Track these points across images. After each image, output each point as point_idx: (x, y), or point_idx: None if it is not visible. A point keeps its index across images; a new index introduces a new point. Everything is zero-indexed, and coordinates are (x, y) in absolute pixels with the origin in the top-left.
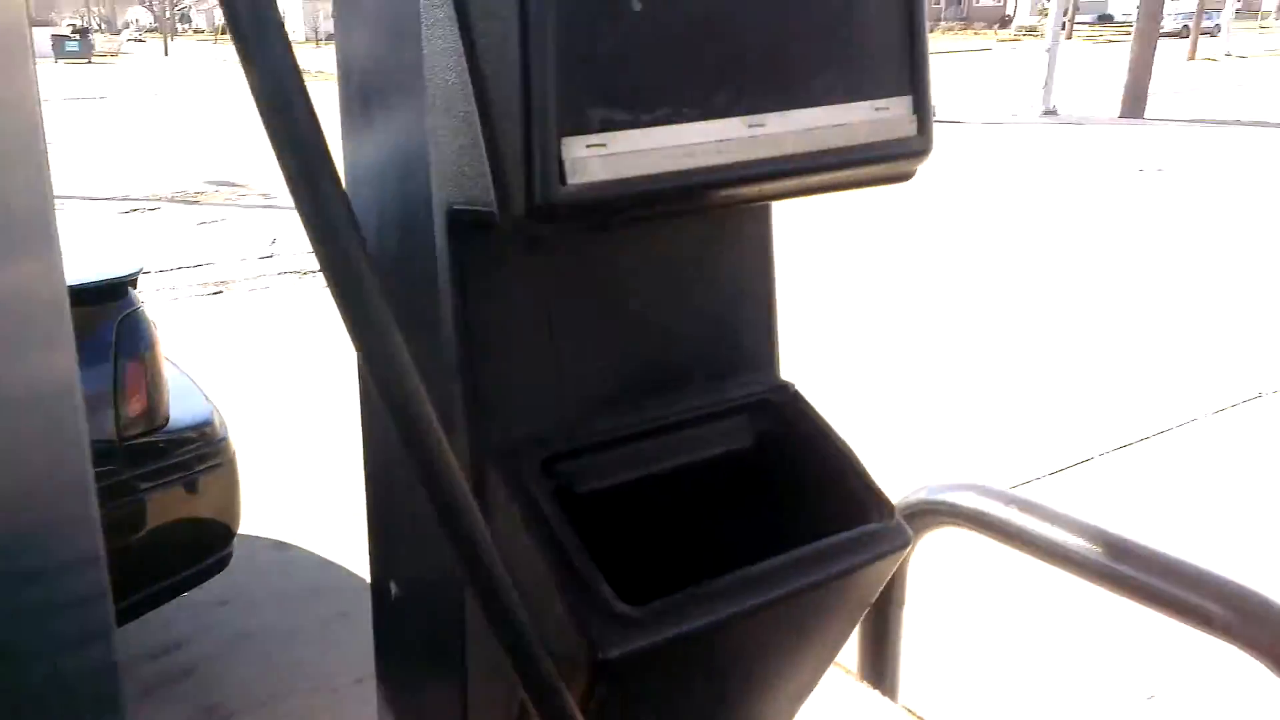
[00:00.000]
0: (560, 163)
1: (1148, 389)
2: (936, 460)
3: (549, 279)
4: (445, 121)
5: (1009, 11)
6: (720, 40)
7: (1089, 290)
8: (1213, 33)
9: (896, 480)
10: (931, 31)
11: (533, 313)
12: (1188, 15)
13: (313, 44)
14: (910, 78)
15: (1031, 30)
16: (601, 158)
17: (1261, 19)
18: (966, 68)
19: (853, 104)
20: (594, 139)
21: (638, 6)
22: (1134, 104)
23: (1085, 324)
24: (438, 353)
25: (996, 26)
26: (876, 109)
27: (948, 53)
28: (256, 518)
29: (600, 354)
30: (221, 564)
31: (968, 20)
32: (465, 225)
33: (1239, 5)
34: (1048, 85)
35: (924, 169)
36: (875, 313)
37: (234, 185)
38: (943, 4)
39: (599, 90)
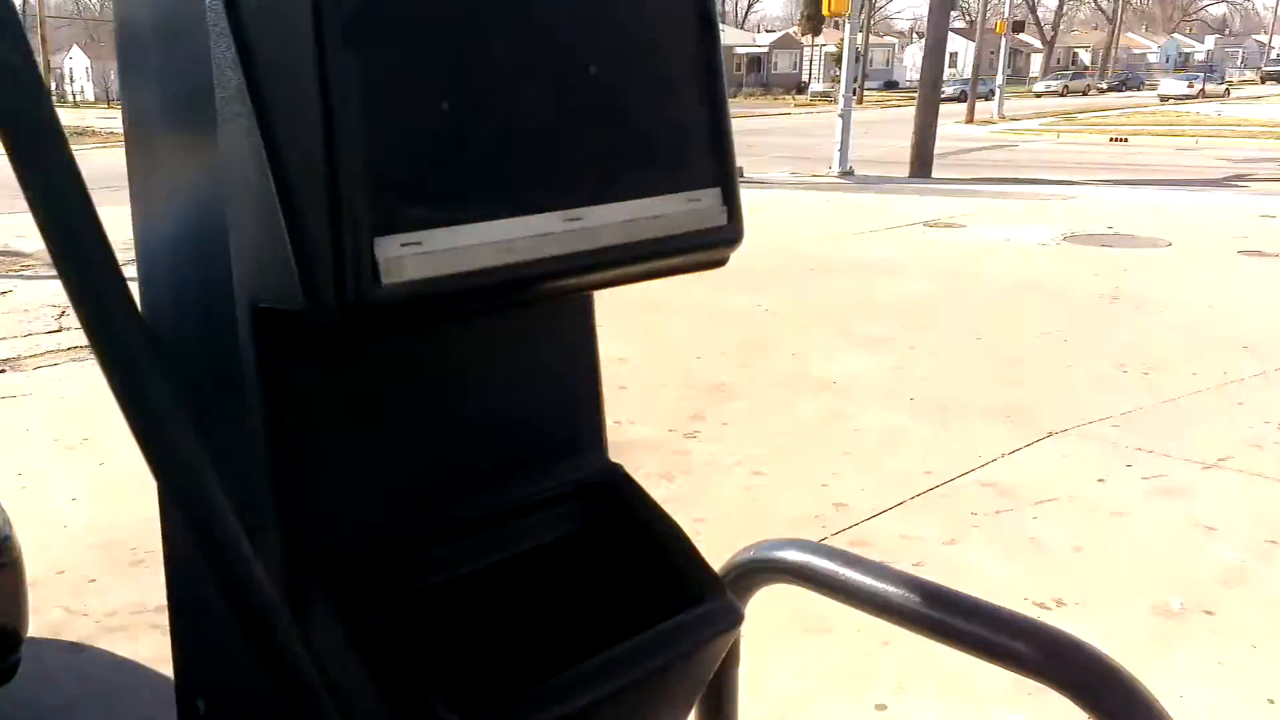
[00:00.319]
0: (374, 262)
1: (925, 439)
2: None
3: (366, 373)
4: (248, 212)
5: (805, 78)
6: (535, 137)
7: (884, 338)
8: (988, 97)
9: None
10: (734, 97)
11: (349, 408)
12: (965, 81)
13: (104, 105)
14: (719, 171)
15: (825, 96)
16: (417, 256)
17: (1030, 83)
18: (768, 131)
19: (667, 197)
20: (409, 237)
21: (445, 106)
22: (921, 165)
23: (876, 365)
24: (246, 451)
25: (794, 92)
26: (689, 200)
27: (751, 116)
28: (46, 619)
29: (423, 447)
30: (8, 674)
31: (767, 86)
32: (272, 321)
33: (1009, 72)
34: (843, 148)
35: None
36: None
37: (18, 255)
38: (743, 71)
39: (412, 188)
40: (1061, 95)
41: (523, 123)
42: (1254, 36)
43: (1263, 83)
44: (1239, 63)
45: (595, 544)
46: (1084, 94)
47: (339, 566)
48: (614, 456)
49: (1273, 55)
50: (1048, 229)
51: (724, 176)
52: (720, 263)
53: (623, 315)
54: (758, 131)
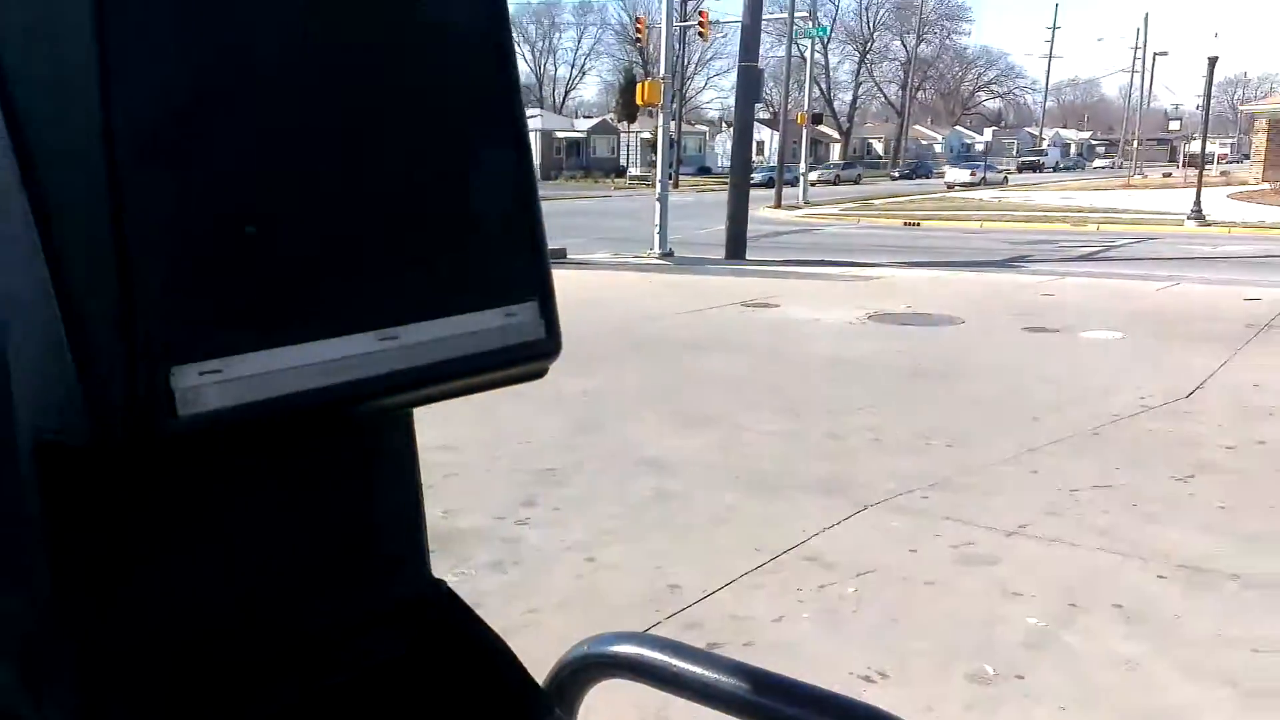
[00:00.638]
0: (170, 393)
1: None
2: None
3: (165, 503)
4: (28, 338)
5: (623, 163)
6: (345, 256)
7: (710, 416)
8: (793, 183)
9: None
10: (555, 180)
11: (146, 539)
12: (773, 169)
13: None
14: (535, 283)
15: (643, 179)
16: (218, 384)
17: (830, 169)
18: (590, 213)
19: (483, 312)
20: (209, 365)
21: (251, 230)
22: (736, 247)
23: (704, 444)
24: (30, 592)
25: (614, 176)
26: (506, 315)
27: (574, 198)
28: None
29: (230, 576)
30: None
31: (588, 170)
32: (58, 454)
33: (811, 160)
34: (662, 231)
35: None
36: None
37: None
38: (563, 155)
39: (211, 312)
40: (834, 184)
41: (331, 240)
42: (1026, 129)
43: (1019, 171)
44: (1015, 152)
45: (416, 668)
46: (855, 183)
47: (135, 709)
48: (443, 548)
49: (1042, 145)
50: (853, 308)
51: (541, 288)
52: (539, 374)
53: (449, 401)
54: (580, 213)
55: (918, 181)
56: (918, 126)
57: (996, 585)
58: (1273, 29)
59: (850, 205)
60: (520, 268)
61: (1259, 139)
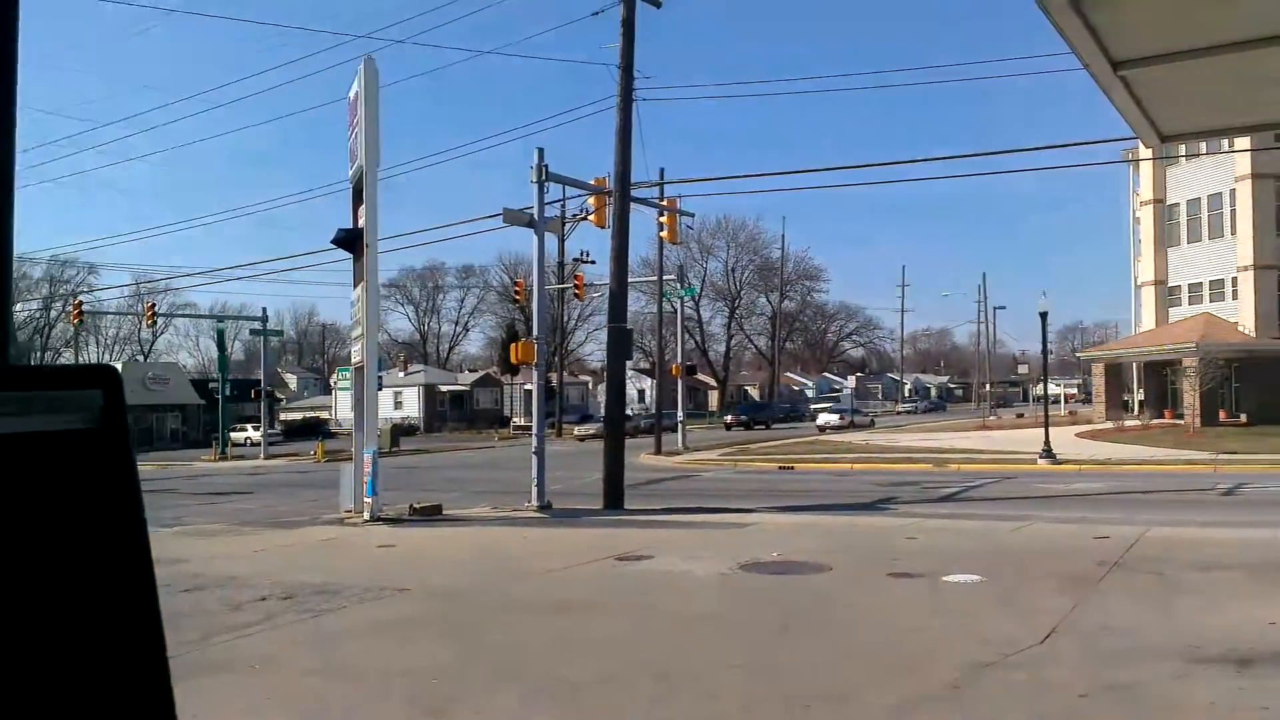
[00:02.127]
0: None
1: None
2: None
3: None
4: None
5: (506, 413)
6: None
7: (582, 682)
8: (673, 430)
9: None
10: (438, 431)
11: None
12: (653, 416)
13: None
14: None
15: (527, 429)
16: None
17: (710, 417)
18: (471, 465)
19: None
20: None
21: None
22: (613, 497)
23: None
24: None
25: (498, 426)
26: None
27: (457, 450)
28: None
29: None
30: None
31: (472, 421)
32: None
33: (691, 406)
34: (540, 483)
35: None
36: None
37: None
38: (447, 407)
39: None
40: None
41: None
42: (888, 374)
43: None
44: (879, 396)
45: None
46: (727, 429)
47: None
48: None
49: (905, 390)
50: (726, 558)
51: None
52: None
53: (285, 671)
54: (463, 465)
55: (791, 425)
56: (789, 373)
57: None
58: (1096, 286)
59: (728, 450)
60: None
61: (1099, 381)
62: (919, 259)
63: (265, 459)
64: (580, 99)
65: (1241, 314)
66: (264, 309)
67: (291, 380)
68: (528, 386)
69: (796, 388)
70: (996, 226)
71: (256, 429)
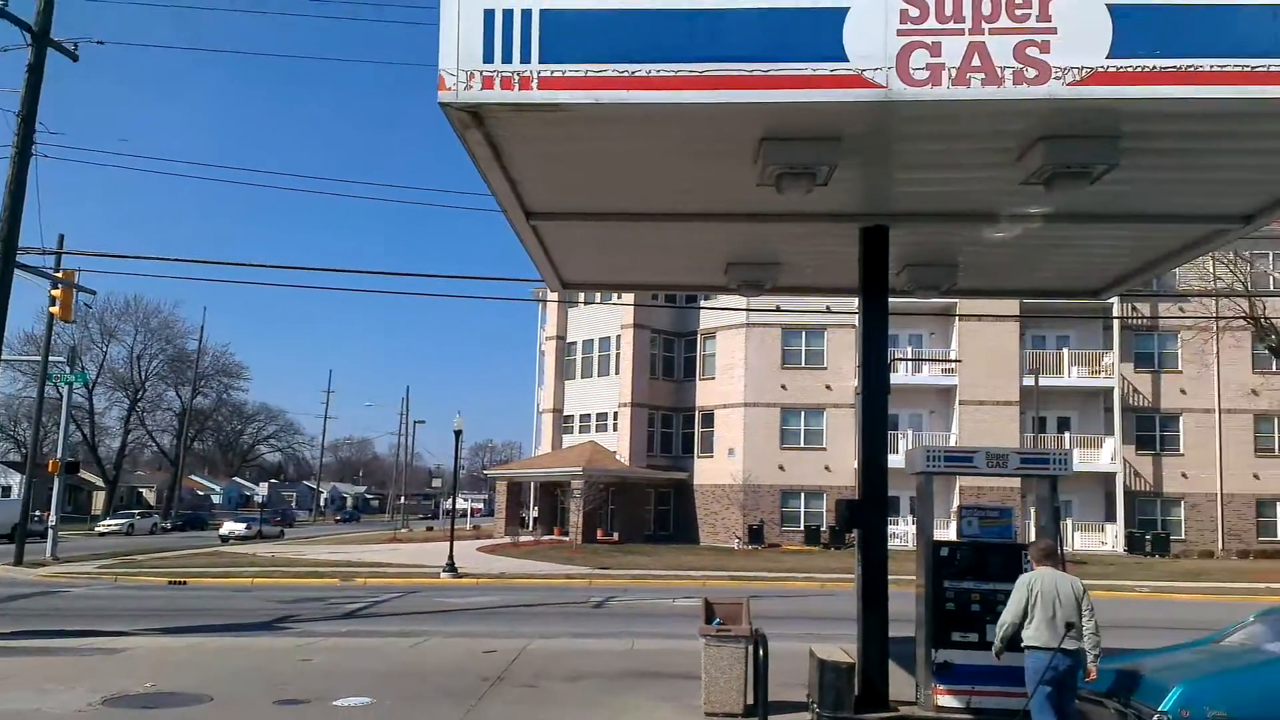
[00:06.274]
0: None
1: None
2: None
3: None
4: None
5: None
6: None
7: None
8: (44, 535)
9: None
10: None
11: None
12: (15, 520)
13: None
14: None
15: None
16: None
17: (92, 522)
18: None
19: None
20: None
21: None
22: None
23: None
24: None
25: None
26: None
27: None
28: None
29: None
30: None
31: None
32: None
33: (70, 509)
34: None
35: None
36: None
37: None
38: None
39: None
40: (109, 536)
41: None
42: (305, 481)
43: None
44: (294, 504)
45: None
46: (130, 533)
47: None
48: None
49: (321, 499)
50: (87, 691)
51: None
52: None
53: None
54: None
55: (192, 533)
56: (194, 476)
57: None
58: (508, 409)
59: (109, 561)
60: None
61: (501, 498)
62: (347, 366)
63: None
64: None
65: (620, 444)
66: None
67: None
68: None
69: (202, 492)
70: (427, 343)
71: None
